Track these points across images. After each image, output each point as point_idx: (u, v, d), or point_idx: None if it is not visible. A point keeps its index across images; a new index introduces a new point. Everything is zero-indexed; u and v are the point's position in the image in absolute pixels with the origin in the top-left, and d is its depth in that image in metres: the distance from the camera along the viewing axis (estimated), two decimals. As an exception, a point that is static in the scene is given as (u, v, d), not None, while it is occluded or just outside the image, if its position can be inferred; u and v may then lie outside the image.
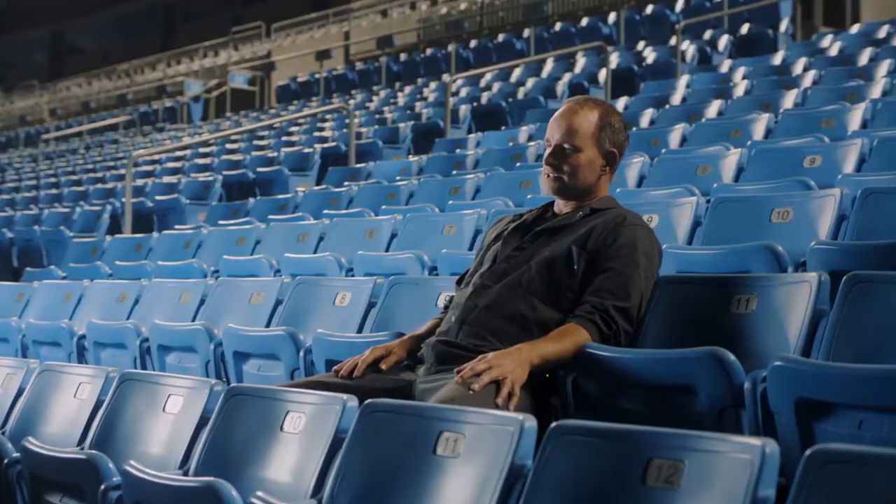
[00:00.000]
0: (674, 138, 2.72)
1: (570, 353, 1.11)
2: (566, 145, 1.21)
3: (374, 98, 6.13)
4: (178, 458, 1.16)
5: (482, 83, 5.46)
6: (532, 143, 3.17)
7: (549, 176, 1.23)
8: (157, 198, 3.93)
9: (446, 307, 1.27)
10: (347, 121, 4.37)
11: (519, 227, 1.25)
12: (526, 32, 6.48)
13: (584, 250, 1.17)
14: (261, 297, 1.81)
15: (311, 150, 4.27)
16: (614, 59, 4.83)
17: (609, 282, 1.15)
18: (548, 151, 1.23)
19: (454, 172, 3.03)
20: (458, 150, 3.51)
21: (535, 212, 1.28)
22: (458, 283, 1.29)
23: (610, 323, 1.13)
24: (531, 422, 0.89)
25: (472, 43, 6.93)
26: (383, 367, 1.18)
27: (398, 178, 3.18)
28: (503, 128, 4.05)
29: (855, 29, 4.58)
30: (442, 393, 1.07)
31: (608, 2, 6.75)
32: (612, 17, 6.17)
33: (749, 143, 2.35)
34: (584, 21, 6.37)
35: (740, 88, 3.50)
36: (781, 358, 0.97)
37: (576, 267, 1.16)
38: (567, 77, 4.83)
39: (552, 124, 1.24)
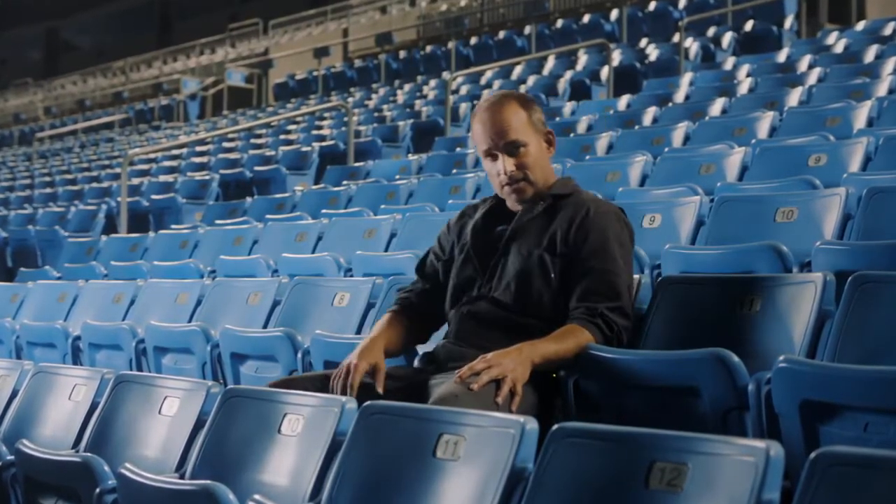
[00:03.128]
0: (677, 137, 2.71)
1: (572, 352, 1.10)
2: (514, 144, 1.16)
3: (373, 96, 6.11)
4: (175, 460, 1.15)
5: (483, 81, 5.43)
6: (532, 142, 3.13)
7: (511, 186, 1.16)
8: (153, 197, 3.91)
9: (399, 302, 1.24)
10: (346, 119, 4.34)
11: (483, 229, 1.20)
12: (527, 29, 6.45)
13: (556, 256, 1.14)
14: (258, 298, 1.80)
15: (309, 148, 4.25)
16: (616, 57, 4.80)
17: (594, 284, 1.13)
18: (497, 161, 1.16)
19: (454, 171, 3.01)
20: (458, 149, 3.51)
21: (490, 202, 1.23)
22: (418, 271, 1.26)
23: (611, 325, 1.12)
24: (532, 424, 0.88)
25: (473, 40, 6.89)
26: (381, 391, 1.13)
27: (397, 177, 3.16)
28: (503, 126, 4.03)
29: (860, 26, 4.55)
30: (445, 387, 1.05)
31: (610, -2, 6.74)
32: (614, 13, 6.13)
33: (753, 141, 2.34)
34: (586, 18, 6.32)
35: (744, 86, 3.48)
36: (786, 359, 0.96)
37: (553, 276, 1.14)
38: (569, 75, 4.80)
39: (483, 133, 1.17)
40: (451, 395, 1.02)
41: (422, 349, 1.28)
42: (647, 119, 3.22)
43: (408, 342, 1.20)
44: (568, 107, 3.93)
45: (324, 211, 2.68)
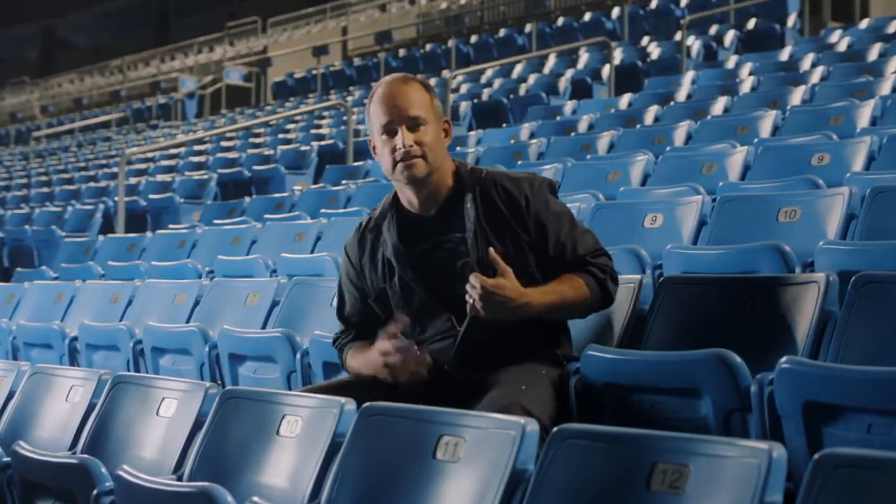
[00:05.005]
0: (679, 136, 2.69)
1: (570, 298, 1.09)
2: (415, 120, 1.10)
3: (373, 95, 6.14)
4: (173, 462, 1.15)
5: (483, 79, 5.42)
6: (534, 141, 3.14)
7: (406, 161, 1.09)
8: (151, 196, 3.90)
9: (343, 337, 1.17)
10: (345, 118, 4.32)
11: (410, 251, 1.12)
12: (527, 27, 6.43)
13: (528, 251, 1.11)
14: (257, 299, 1.79)
15: (307, 147, 4.23)
16: (618, 55, 4.78)
17: (570, 251, 1.11)
18: (396, 136, 1.10)
19: (453, 170, 3.02)
20: (458, 148, 3.47)
21: (391, 216, 1.14)
22: (344, 321, 1.18)
23: (602, 267, 1.12)
24: (533, 425, 0.88)
25: (473, 38, 6.87)
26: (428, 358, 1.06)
27: (397, 175, 3.17)
28: (504, 125, 4.01)
29: (864, 24, 4.52)
30: (504, 397, 1.02)
31: (611, -4, 6.71)
32: (615, 11, 6.11)
33: (756, 140, 2.33)
34: (587, 16, 6.31)
35: (747, 85, 3.47)
36: (789, 360, 0.95)
37: (532, 270, 1.11)
38: (570, 73, 4.78)
39: (383, 107, 1.11)
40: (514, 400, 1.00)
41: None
42: (649, 118, 3.20)
43: None
44: (569, 105, 3.91)
45: (323, 210, 2.67)
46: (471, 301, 1.05)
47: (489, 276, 1.06)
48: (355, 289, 1.20)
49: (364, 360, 1.15)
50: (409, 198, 1.15)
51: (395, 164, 1.12)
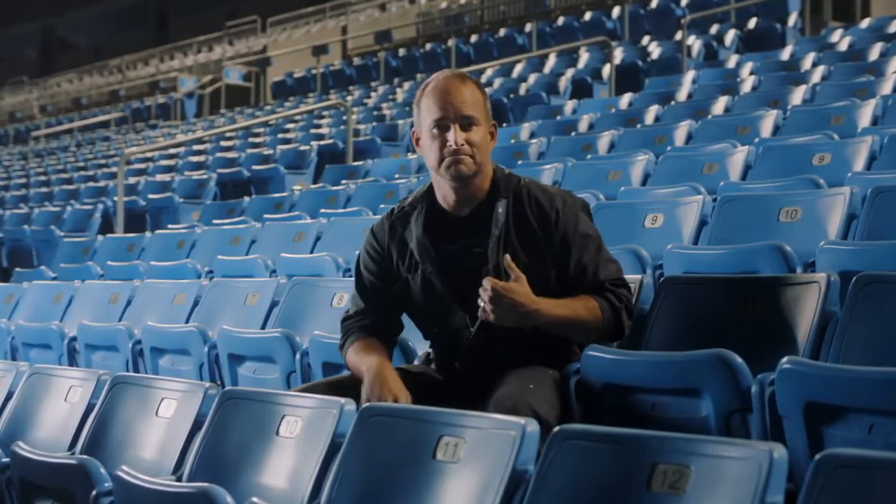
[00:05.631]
0: (679, 135, 2.70)
1: (581, 318, 1.08)
2: (468, 119, 1.09)
3: (373, 94, 6.10)
4: (172, 463, 1.15)
5: (483, 79, 5.42)
6: (534, 141, 3.13)
7: (455, 157, 1.07)
8: (150, 196, 3.90)
9: (361, 332, 1.16)
10: (345, 117, 4.33)
11: (437, 248, 1.11)
12: (528, 27, 6.44)
13: (549, 267, 1.11)
14: (256, 299, 1.79)
15: (307, 147, 4.23)
16: (618, 55, 4.79)
17: (592, 274, 1.11)
18: (448, 132, 1.08)
19: (454, 170, 3.02)
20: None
21: (421, 207, 1.13)
22: (362, 295, 1.16)
23: (619, 296, 1.11)
24: (533, 426, 0.88)
25: (473, 38, 6.88)
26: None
27: (397, 176, 3.15)
28: (504, 125, 4.00)
29: (865, 23, 4.53)
30: (510, 396, 1.02)
31: (612, -4, 6.71)
32: (616, 11, 6.12)
33: (756, 140, 2.33)
34: (588, 15, 6.32)
35: (747, 84, 3.47)
36: (790, 360, 0.95)
37: (552, 285, 1.11)
38: (570, 73, 4.78)
39: (438, 103, 1.09)
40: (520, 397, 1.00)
41: (420, 349, 1.27)
42: (650, 118, 3.20)
43: (389, 360, 1.16)
44: (569, 105, 3.91)
45: (322, 210, 2.67)
46: (482, 303, 1.05)
47: (504, 281, 1.06)
48: (377, 268, 1.18)
49: (362, 366, 1.13)
50: (445, 194, 1.14)
51: (442, 159, 1.10)
